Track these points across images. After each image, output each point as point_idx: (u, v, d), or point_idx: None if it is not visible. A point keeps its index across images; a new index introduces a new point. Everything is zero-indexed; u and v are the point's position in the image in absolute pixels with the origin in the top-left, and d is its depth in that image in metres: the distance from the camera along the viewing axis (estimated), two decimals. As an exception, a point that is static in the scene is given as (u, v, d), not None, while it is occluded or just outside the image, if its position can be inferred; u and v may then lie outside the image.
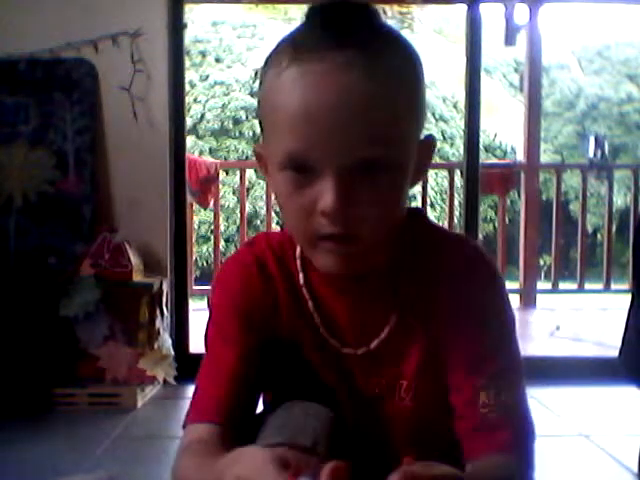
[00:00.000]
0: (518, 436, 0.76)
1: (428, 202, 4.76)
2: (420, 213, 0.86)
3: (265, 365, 0.82)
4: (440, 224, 0.90)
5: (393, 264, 0.79)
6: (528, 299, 4.83)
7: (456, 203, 4.91)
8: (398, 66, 0.70)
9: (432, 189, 12.26)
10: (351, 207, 0.68)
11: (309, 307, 0.81)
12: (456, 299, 0.78)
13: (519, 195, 5.21)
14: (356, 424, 0.83)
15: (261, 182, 8.40)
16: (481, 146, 3.38)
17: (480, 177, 3.16)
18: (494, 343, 0.78)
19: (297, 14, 13.95)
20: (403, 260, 0.80)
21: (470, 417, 0.76)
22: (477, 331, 0.77)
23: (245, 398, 0.81)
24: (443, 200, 11.83)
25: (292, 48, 0.69)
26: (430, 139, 0.78)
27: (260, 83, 0.74)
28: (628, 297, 1.32)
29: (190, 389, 0.86)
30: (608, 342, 3.13)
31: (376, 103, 0.67)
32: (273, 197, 4.23)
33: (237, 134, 10.46)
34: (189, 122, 12.64)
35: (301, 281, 0.82)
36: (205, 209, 5.78)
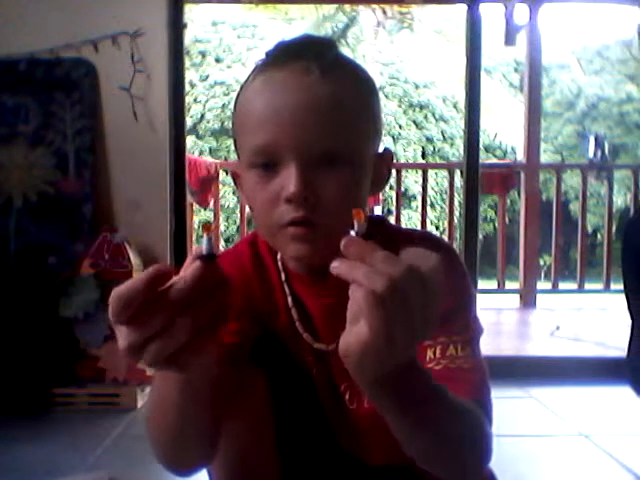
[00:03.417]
0: (482, 384, 0.78)
1: (428, 202, 4.76)
2: (382, 220, 0.91)
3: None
4: (402, 226, 1.01)
5: None
6: (528, 299, 4.83)
7: (456, 203, 4.90)
8: (352, 77, 0.78)
9: (432, 189, 12.28)
10: (313, 193, 0.73)
11: (288, 303, 0.86)
12: None
13: (519, 195, 5.21)
14: (332, 414, 0.87)
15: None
16: (481, 146, 3.38)
17: (480, 177, 3.16)
18: (458, 313, 0.80)
19: (297, 14, 13.95)
20: None
21: (439, 369, 0.77)
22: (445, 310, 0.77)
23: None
24: (443, 200, 11.84)
25: (258, 68, 0.78)
26: (387, 152, 0.83)
27: (234, 106, 0.81)
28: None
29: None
30: (608, 342, 3.13)
31: (334, 102, 0.73)
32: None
33: (237, 134, 10.47)
34: (189, 122, 12.65)
35: (282, 278, 0.87)
36: (205, 209, 5.78)
